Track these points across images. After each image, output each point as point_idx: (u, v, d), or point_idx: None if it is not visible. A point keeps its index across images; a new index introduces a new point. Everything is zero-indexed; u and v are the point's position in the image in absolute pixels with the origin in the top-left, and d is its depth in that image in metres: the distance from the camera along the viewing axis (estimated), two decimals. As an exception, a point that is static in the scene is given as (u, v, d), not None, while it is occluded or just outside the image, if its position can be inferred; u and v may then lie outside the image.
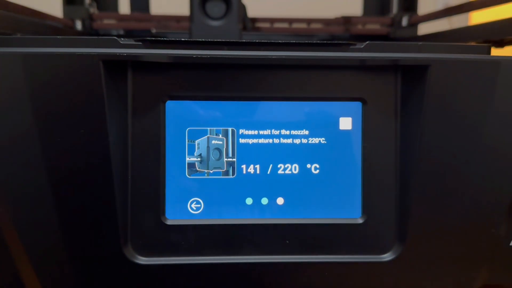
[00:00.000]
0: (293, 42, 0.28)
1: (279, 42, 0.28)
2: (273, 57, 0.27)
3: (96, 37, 0.28)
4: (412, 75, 0.28)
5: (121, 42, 0.28)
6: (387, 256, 0.29)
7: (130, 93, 0.28)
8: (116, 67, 0.27)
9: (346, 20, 0.64)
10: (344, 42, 0.29)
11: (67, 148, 0.26)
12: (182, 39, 0.28)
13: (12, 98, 0.26)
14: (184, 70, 0.28)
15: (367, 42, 0.29)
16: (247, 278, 0.29)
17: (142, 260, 0.28)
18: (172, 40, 0.28)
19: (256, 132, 0.29)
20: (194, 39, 0.28)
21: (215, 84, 0.28)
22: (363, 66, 0.28)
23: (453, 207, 0.28)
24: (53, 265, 0.28)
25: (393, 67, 0.28)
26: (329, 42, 0.29)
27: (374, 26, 0.65)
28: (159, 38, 0.28)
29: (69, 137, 0.26)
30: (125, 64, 0.27)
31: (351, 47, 0.29)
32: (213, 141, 0.29)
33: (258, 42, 0.28)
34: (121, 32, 0.65)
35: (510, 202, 0.28)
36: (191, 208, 0.29)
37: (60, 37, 0.28)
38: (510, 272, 0.30)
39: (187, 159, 0.29)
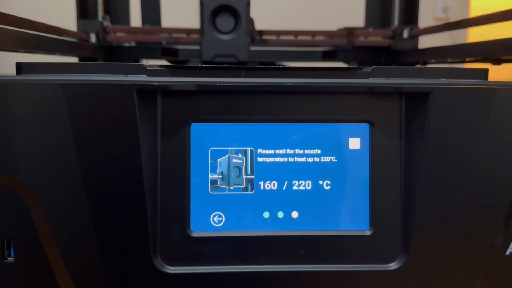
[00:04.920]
0: (305, 67, 0.30)
1: (293, 68, 0.30)
2: (288, 84, 0.29)
3: (125, 63, 0.30)
4: (415, 100, 0.30)
5: (148, 68, 0.29)
6: (393, 265, 0.30)
7: (159, 117, 0.29)
8: (147, 94, 0.28)
9: (349, 32, 0.66)
10: (351, 67, 0.31)
11: (104, 167, 0.28)
12: (204, 65, 0.30)
13: (54, 122, 0.28)
14: (207, 95, 0.29)
15: (374, 67, 0.30)
16: (264, 286, 0.30)
17: (170, 269, 0.29)
18: (195, 66, 0.30)
19: (272, 151, 0.30)
20: (214, 65, 0.30)
21: (235, 108, 0.30)
22: (370, 91, 0.30)
23: (452, 220, 0.30)
24: (88, 273, 0.29)
25: (398, 92, 0.30)
26: (337, 67, 0.31)
27: (376, 38, 0.67)
28: (183, 65, 0.30)
29: (106, 157, 0.28)
30: (155, 91, 0.29)
31: (358, 71, 0.30)
32: (234, 160, 0.30)
33: (273, 67, 0.30)
34: (133, 44, 0.67)
35: (504, 216, 0.30)
36: (214, 221, 0.30)
37: (91, 63, 0.30)
38: (507, 278, 0.32)
39: (210, 176, 0.30)
